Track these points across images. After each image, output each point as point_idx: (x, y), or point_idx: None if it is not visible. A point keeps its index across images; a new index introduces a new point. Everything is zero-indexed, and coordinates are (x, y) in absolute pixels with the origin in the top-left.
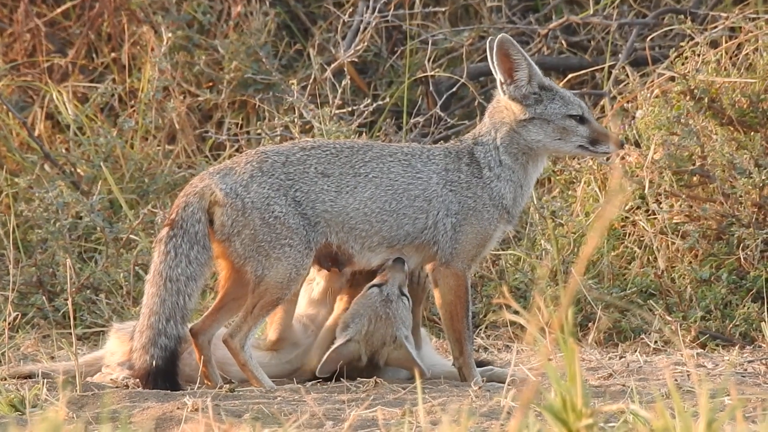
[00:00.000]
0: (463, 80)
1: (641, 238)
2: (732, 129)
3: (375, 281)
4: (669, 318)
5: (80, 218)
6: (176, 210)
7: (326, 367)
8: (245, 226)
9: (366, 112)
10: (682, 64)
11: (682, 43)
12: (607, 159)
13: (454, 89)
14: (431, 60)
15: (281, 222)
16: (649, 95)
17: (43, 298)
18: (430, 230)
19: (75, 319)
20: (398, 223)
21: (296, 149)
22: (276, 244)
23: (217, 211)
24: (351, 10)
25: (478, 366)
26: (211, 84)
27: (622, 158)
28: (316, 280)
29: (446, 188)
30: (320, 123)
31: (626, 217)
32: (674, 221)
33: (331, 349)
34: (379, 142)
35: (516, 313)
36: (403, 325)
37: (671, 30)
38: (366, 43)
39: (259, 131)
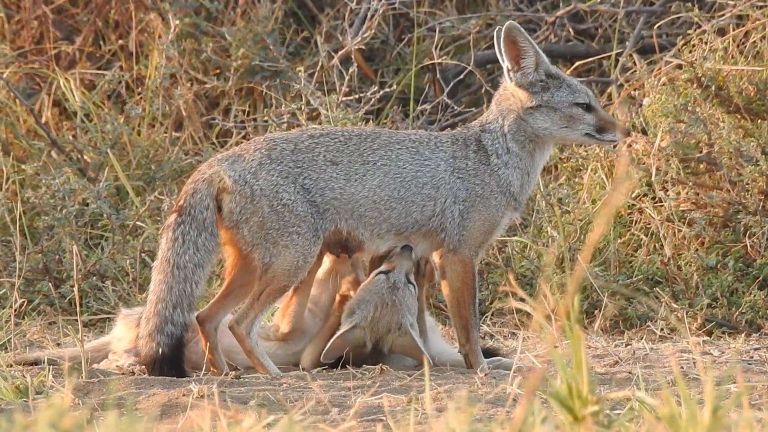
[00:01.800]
0: (470, 68)
1: (648, 226)
2: (739, 117)
3: (382, 268)
4: (675, 305)
5: (87, 205)
6: (184, 196)
7: (331, 353)
8: (254, 213)
9: (373, 100)
10: (690, 51)
11: (689, 31)
12: (614, 147)
13: (461, 77)
14: (438, 47)
15: (290, 209)
16: (656, 83)
17: (50, 284)
18: (438, 217)
19: (81, 305)
20: (406, 211)
21: (305, 137)
22: (284, 231)
23: (226, 198)
24: None
25: (485, 354)
26: (218, 71)
27: (629, 146)
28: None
29: (454, 175)
30: (327, 110)
31: (633, 205)
32: (681, 209)
33: (336, 335)
34: (387, 130)
35: (522, 300)
36: (409, 312)
37: (678, 18)
38: (373, 31)
39: (266, 118)
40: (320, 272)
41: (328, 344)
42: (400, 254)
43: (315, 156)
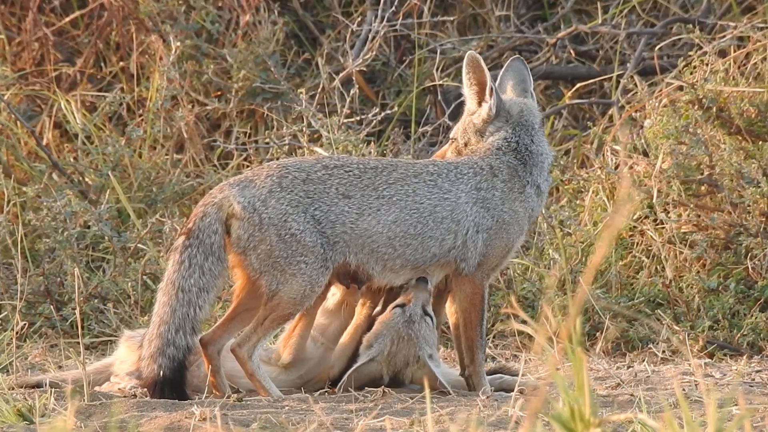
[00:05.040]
0: None
1: (649, 248)
2: (740, 138)
3: (398, 301)
4: (677, 327)
5: (88, 227)
6: (194, 219)
7: (346, 385)
8: (261, 241)
9: (374, 122)
10: (691, 73)
11: (690, 53)
12: (616, 168)
13: (462, 98)
14: (439, 69)
15: (297, 240)
16: (657, 104)
17: (51, 307)
18: (459, 249)
19: (83, 328)
20: (423, 246)
21: (318, 167)
22: (292, 260)
23: (234, 223)
24: (359, 19)
25: (490, 373)
26: (219, 93)
27: (631, 167)
28: (331, 291)
29: (477, 206)
30: (328, 132)
31: (634, 227)
32: (682, 231)
33: (352, 369)
34: (404, 161)
35: (524, 322)
36: (426, 344)
37: (679, 39)
38: (374, 52)
39: (267, 140)
40: (331, 303)
41: (344, 377)
42: (416, 287)
43: (327, 188)
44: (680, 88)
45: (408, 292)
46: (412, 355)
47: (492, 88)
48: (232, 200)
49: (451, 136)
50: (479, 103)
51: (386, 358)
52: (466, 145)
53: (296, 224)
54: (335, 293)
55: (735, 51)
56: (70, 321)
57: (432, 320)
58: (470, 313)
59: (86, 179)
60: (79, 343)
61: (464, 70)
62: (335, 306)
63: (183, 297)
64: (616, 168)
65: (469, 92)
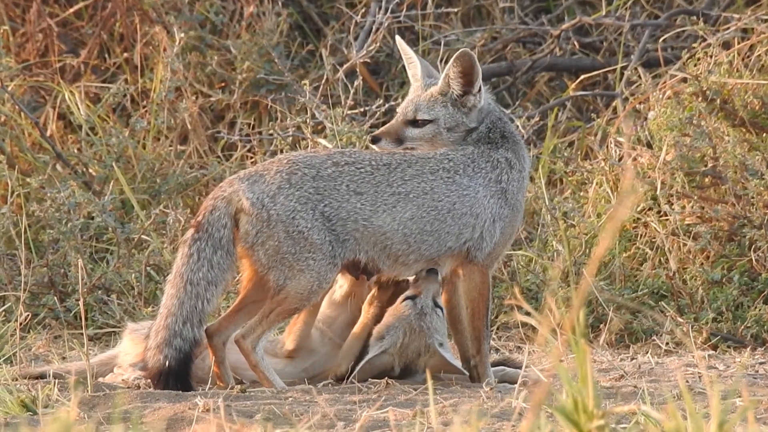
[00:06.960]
0: None
1: (653, 240)
2: (744, 130)
3: (408, 293)
4: (680, 319)
5: (92, 218)
6: (203, 212)
7: (359, 378)
8: (269, 237)
9: (378, 113)
10: (695, 65)
11: (694, 45)
12: (620, 160)
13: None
14: (443, 61)
15: (305, 237)
16: (661, 96)
17: (55, 298)
18: (475, 240)
19: (86, 319)
20: (440, 242)
21: (329, 163)
22: (299, 256)
23: (243, 218)
24: (363, 10)
25: (494, 365)
26: (223, 84)
27: (635, 159)
28: (339, 283)
29: (495, 197)
30: (332, 123)
31: (638, 219)
32: (686, 222)
33: (364, 360)
34: (416, 156)
35: (527, 314)
36: (437, 333)
37: (683, 31)
38: (378, 44)
39: (271, 132)
40: (338, 295)
41: (357, 368)
42: (427, 278)
43: (337, 185)
44: (684, 80)
45: (418, 283)
46: (423, 346)
47: (481, 86)
48: (241, 195)
49: (420, 117)
50: (463, 93)
51: (398, 350)
52: (449, 129)
53: (304, 221)
54: (342, 285)
55: (739, 43)
56: (73, 312)
57: (442, 311)
58: (478, 303)
59: (90, 170)
60: (82, 334)
61: (452, 63)
62: (342, 298)
63: (191, 290)
64: (620, 160)
65: (453, 83)
